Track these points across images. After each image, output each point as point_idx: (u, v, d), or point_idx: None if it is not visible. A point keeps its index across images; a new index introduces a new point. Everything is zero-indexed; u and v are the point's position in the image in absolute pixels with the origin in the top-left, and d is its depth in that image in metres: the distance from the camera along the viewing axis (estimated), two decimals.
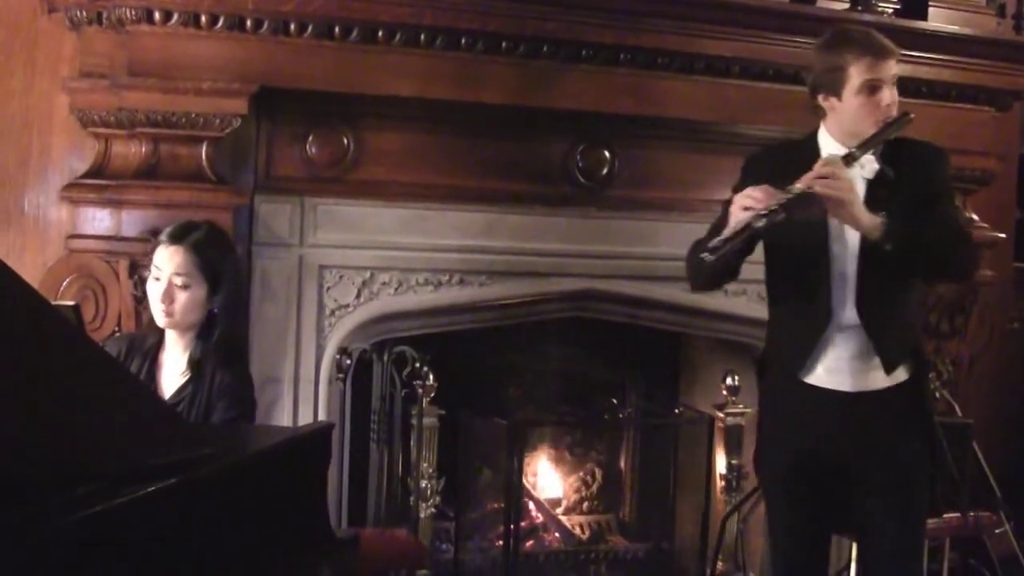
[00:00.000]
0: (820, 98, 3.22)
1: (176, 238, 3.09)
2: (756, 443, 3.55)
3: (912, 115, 3.18)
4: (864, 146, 3.13)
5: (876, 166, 3.17)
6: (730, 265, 3.19)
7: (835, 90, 3.18)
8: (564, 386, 5.32)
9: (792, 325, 3.35)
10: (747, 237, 3.03)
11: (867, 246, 3.12)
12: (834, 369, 3.22)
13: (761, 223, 2.99)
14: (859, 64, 3.13)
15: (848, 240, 3.18)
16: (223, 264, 3.13)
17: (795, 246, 3.23)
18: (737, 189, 3.25)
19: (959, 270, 3.40)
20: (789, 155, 3.24)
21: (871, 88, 3.13)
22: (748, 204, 3.02)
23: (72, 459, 1.85)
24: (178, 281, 3.06)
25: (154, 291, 3.09)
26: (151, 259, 3.15)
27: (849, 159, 3.09)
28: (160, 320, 3.11)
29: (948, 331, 4.88)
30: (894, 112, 3.17)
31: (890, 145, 3.20)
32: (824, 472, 3.26)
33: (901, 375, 3.24)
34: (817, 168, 3.05)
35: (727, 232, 3.02)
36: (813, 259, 3.21)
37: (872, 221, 3.03)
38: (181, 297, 3.07)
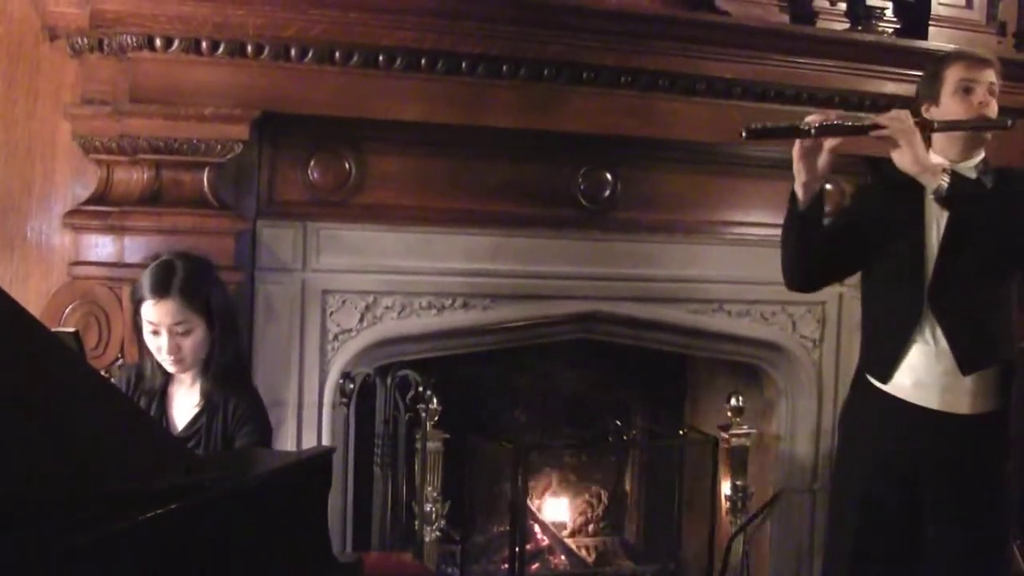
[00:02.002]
0: (924, 110, 3.32)
1: (161, 291, 3.02)
2: (836, 458, 3.55)
3: (1011, 122, 3.24)
4: (950, 126, 3.22)
5: (972, 176, 3.22)
6: (816, 241, 3.28)
7: (934, 96, 3.29)
8: (569, 408, 5.33)
9: (885, 317, 3.38)
10: (789, 131, 3.13)
11: (950, 229, 3.17)
12: (922, 384, 3.23)
13: (805, 127, 3.09)
14: (955, 67, 3.27)
15: (936, 224, 3.22)
16: (211, 296, 3.10)
17: (892, 231, 3.29)
18: (848, 211, 3.56)
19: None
20: (899, 184, 3.24)
21: (966, 88, 3.24)
22: (818, 117, 3.13)
23: (73, 484, 1.85)
24: (179, 330, 3.03)
25: (157, 344, 3.05)
26: (139, 312, 3.09)
27: (924, 125, 3.17)
28: (173, 369, 3.10)
29: None
30: (990, 115, 3.24)
31: (1003, 171, 3.28)
32: (898, 497, 3.26)
33: (990, 403, 3.24)
34: (890, 112, 3.16)
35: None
36: (908, 249, 3.25)
37: (933, 169, 3.08)
38: (186, 343, 3.05)
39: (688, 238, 4.63)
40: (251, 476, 2.41)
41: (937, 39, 4.60)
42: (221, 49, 3.77)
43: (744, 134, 3.11)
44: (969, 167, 3.24)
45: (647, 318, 4.66)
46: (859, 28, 4.58)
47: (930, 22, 4.68)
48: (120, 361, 3.78)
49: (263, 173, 4.10)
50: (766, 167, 4.51)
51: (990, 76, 3.27)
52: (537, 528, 5.22)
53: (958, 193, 3.05)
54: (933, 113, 3.29)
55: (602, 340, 4.75)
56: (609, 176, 4.51)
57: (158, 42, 3.72)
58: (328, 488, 2.62)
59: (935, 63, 3.36)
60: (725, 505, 4.95)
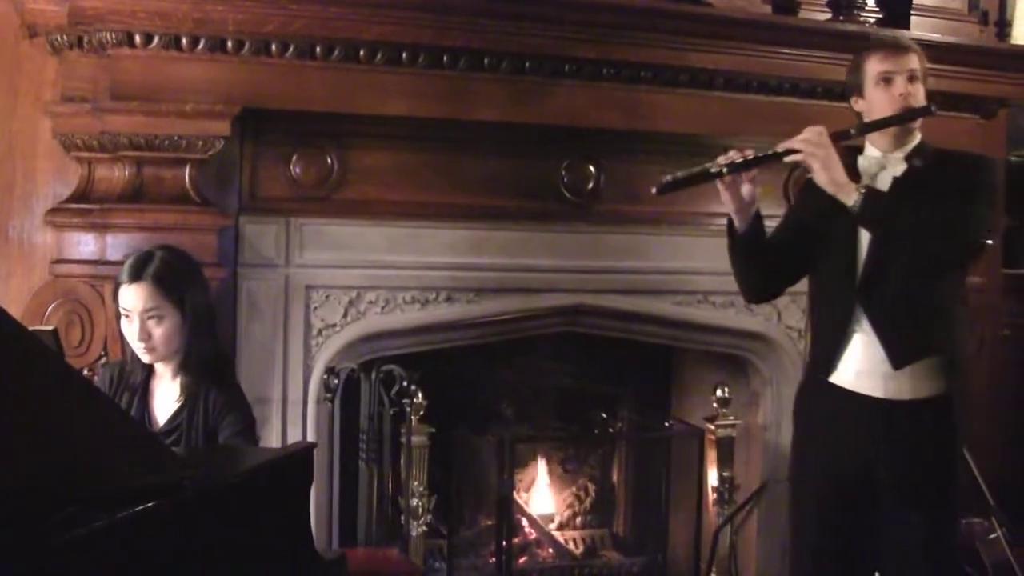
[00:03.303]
0: (853, 102, 3.33)
1: (135, 275, 3.05)
2: (791, 452, 3.56)
3: (934, 108, 3.24)
4: (866, 127, 3.23)
5: (903, 165, 3.23)
6: (762, 257, 3.35)
7: (860, 89, 3.29)
8: (556, 401, 5.34)
9: (826, 312, 3.40)
10: (701, 176, 3.18)
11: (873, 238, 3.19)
12: (865, 372, 3.22)
13: (716, 168, 3.15)
14: (873, 58, 3.26)
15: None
16: (186, 286, 3.11)
17: (831, 232, 3.28)
18: (793, 209, 3.61)
19: (937, 256, 3.17)
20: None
21: (886, 79, 3.23)
22: (731, 154, 3.16)
23: (51, 483, 1.84)
24: (150, 316, 3.05)
25: (130, 331, 3.08)
26: (117, 300, 3.12)
27: (841, 135, 3.17)
28: (145, 357, 3.11)
29: None
30: (913, 103, 3.23)
31: (940, 154, 3.27)
32: (854, 485, 3.25)
33: (935, 388, 3.22)
34: (803, 132, 3.15)
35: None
36: (844, 242, 3.25)
37: (848, 187, 3.09)
38: (157, 331, 3.06)
39: (672, 230, 4.62)
40: (232, 473, 2.40)
41: (919, 28, 4.61)
42: (201, 45, 3.77)
43: (655, 191, 3.17)
44: (900, 157, 3.24)
45: (632, 310, 4.66)
46: (841, 18, 4.57)
47: (912, 11, 4.69)
48: (103, 359, 3.77)
49: (245, 169, 4.09)
50: None
51: (910, 63, 3.24)
52: (524, 521, 5.23)
53: (869, 211, 3.07)
54: (860, 105, 3.29)
55: (587, 333, 4.75)
56: (592, 168, 4.51)
57: (138, 39, 3.72)
58: (310, 484, 2.62)
59: (858, 55, 3.34)
60: (712, 496, 4.95)
